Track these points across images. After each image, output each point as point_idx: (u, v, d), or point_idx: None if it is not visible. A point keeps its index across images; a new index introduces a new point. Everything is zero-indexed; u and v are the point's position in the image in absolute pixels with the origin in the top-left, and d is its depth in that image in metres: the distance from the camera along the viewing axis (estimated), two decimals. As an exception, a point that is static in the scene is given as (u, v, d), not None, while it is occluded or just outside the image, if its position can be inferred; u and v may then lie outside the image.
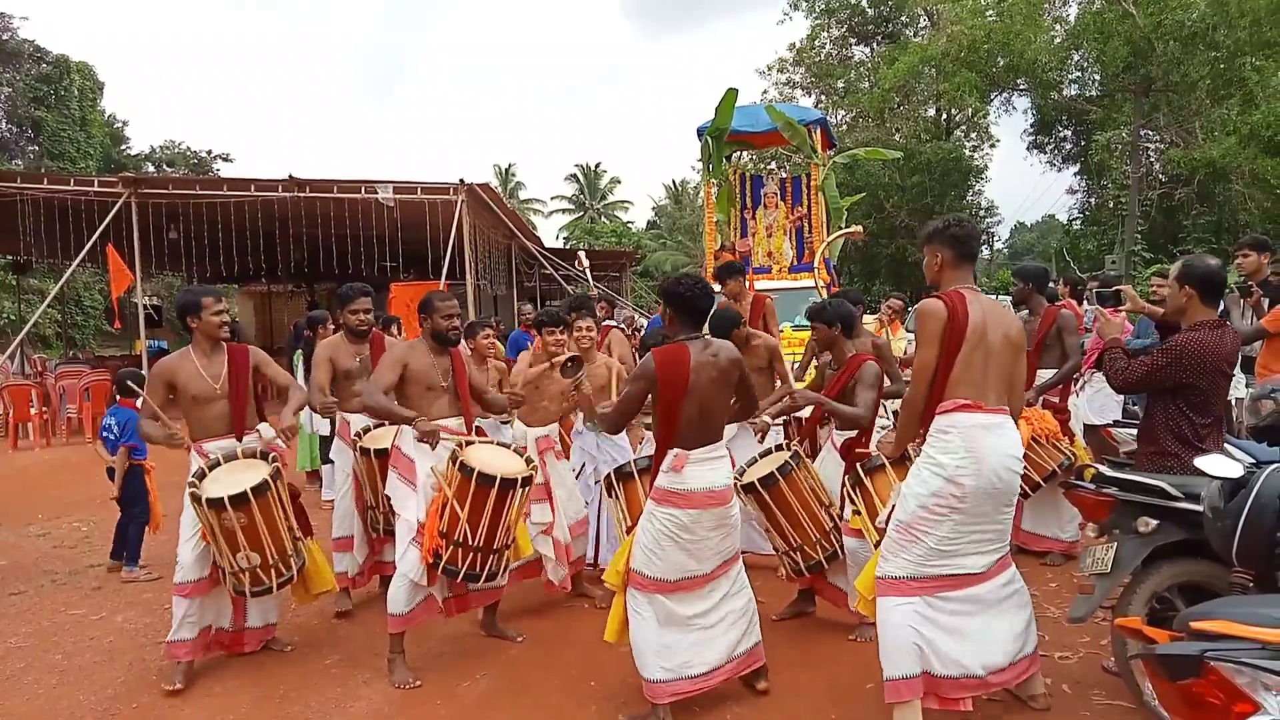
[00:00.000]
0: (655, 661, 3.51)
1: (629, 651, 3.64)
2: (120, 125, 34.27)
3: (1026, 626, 3.39)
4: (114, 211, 13.24)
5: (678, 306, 3.56)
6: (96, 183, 14.10)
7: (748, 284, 9.67)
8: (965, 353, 3.20)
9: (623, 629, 3.69)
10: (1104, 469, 3.50)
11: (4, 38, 27.27)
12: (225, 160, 35.01)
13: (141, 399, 4.32)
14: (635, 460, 4.27)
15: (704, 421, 3.52)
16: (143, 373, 6.99)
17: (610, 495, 4.15)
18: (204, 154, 34.72)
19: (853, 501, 4.16)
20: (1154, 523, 3.28)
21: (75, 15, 59.09)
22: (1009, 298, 7.01)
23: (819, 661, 4.18)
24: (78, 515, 7.76)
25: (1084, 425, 7.83)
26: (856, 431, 4.47)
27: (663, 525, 3.49)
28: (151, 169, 31.72)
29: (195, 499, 3.90)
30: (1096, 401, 7.58)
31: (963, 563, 3.24)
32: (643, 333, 7.17)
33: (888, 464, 4.03)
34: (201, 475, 4.00)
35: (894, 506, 3.41)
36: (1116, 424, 5.46)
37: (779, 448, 4.65)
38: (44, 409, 12.73)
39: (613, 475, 4.18)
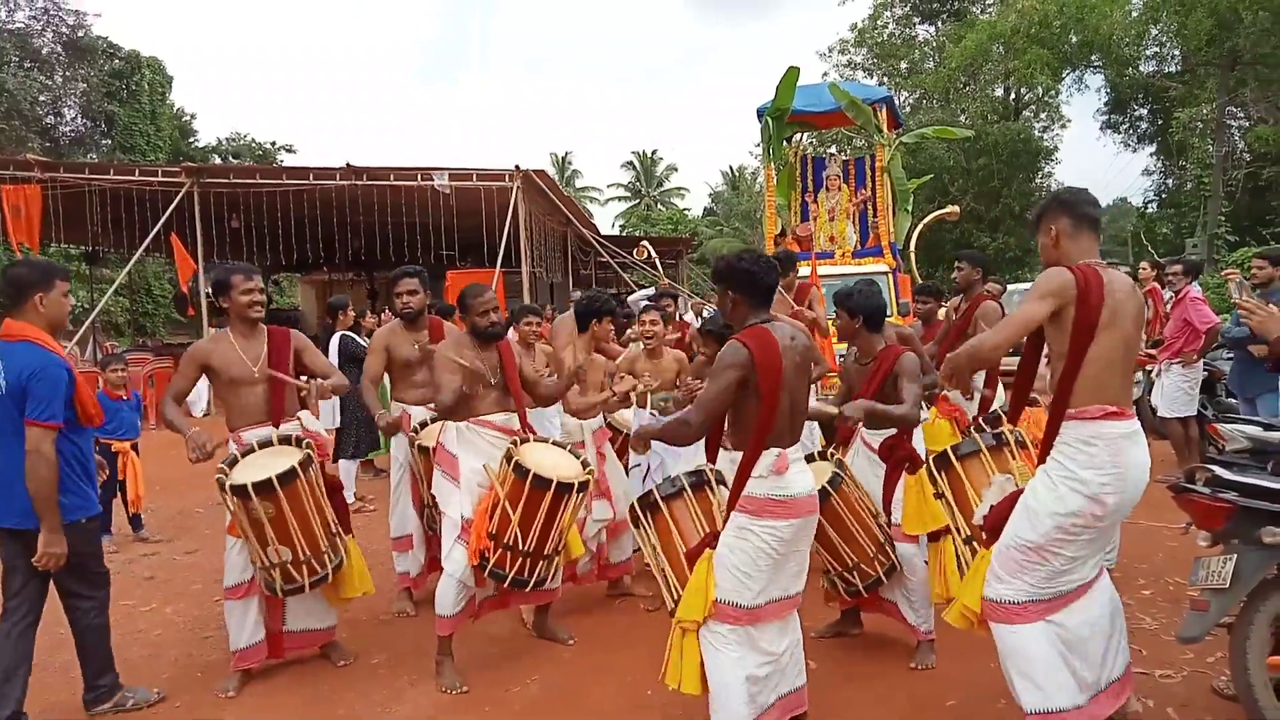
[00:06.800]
0: (744, 710, 2.96)
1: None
2: (188, 118, 34.90)
3: (1121, 639, 3.02)
4: (176, 201, 13.42)
5: (743, 285, 3.09)
6: (160, 173, 14.30)
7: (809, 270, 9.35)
8: (1106, 345, 2.81)
9: (705, 678, 3.07)
10: (1219, 470, 3.11)
11: (79, 35, 27.88)
12: (289, 151, 35.42)
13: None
14: (684, 474, 3.41)
15: (794, 416, 3.07)
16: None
17: (640, 524, 3.36)
18: (268, 145, 35.22)
19: (936, 486, 3.75)
20: (1283, 533, 2.90)
21: (144, 11, 60.61)
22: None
23: (896, 674, 3.89)
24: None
25: (1160, 419, 7.39)
26: (895, 429, 3.98)
27: (763, 542, 2.95)
28: (218, 161, 32.29)
29: (221, 485, 3.69)
30: (1169, 394, 7.15)
31: (1079, 574, 2.93)
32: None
33: (984, 451, 3.66)
34: (233, 463, 3.80)
35: (995, 505, 3.07)
36: (1217, 418, 4.98)
37: (809, 457, 4.05)
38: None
39: (656, 494, 3.37)
